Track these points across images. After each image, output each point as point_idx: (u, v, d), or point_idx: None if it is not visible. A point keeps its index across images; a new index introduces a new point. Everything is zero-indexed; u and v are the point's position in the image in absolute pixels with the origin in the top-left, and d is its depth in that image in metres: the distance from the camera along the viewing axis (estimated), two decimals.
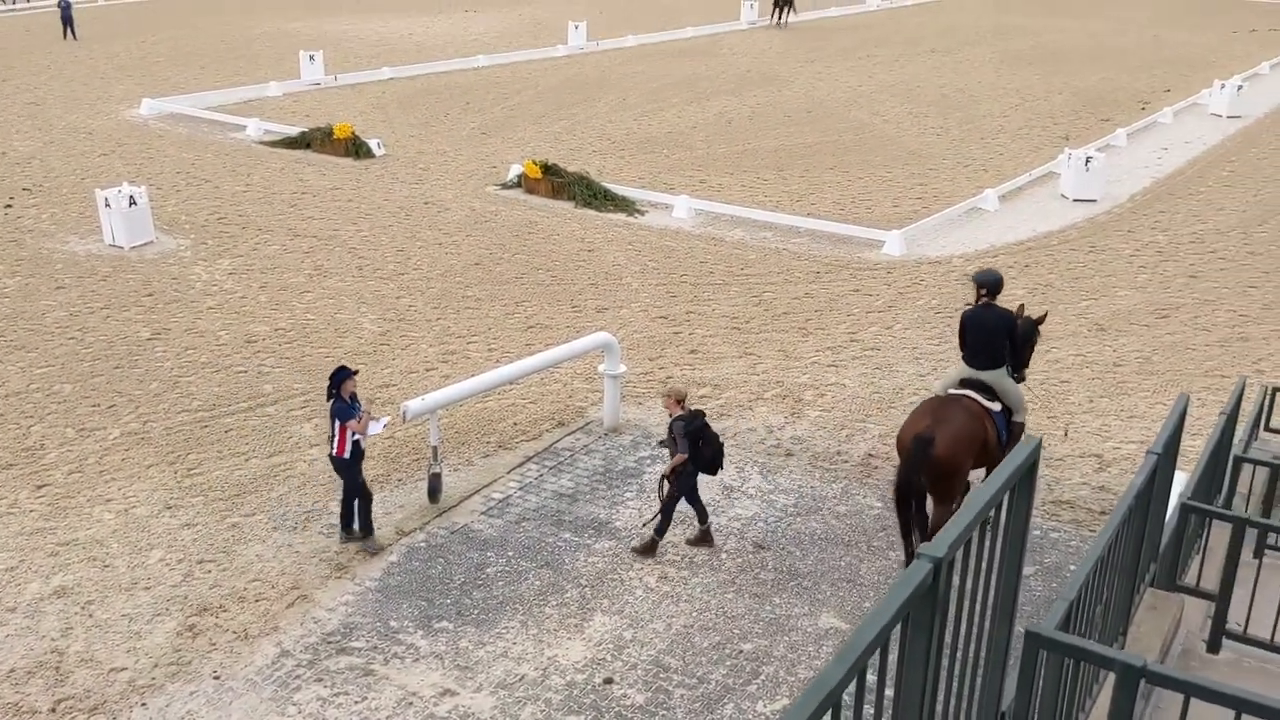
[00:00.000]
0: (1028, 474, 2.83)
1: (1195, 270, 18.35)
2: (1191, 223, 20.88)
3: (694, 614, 9.72)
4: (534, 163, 22.61)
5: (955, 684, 2.78)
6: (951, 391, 10.26)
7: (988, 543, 2.75)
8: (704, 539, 10.69)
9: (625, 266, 18.48)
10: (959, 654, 2.82)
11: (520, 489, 11.72)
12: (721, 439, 10.66)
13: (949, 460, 9.55)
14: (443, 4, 52.49)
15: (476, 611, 9.75)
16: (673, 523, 10.64)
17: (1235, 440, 8.90)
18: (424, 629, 9.51)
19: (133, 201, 18.85)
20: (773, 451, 12.58)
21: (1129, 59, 39.11)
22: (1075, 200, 21.97)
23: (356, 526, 10.76)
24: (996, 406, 10.12)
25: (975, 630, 2.85)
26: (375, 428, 10.82)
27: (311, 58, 33.27)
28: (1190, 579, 6.42)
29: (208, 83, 32.62)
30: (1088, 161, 22.19)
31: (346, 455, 10.52)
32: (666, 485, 10.45)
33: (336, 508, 11.39)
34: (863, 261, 18.72)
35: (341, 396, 10.52)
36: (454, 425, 12.80)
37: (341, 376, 10.59)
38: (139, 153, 25.23)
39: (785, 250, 19.26)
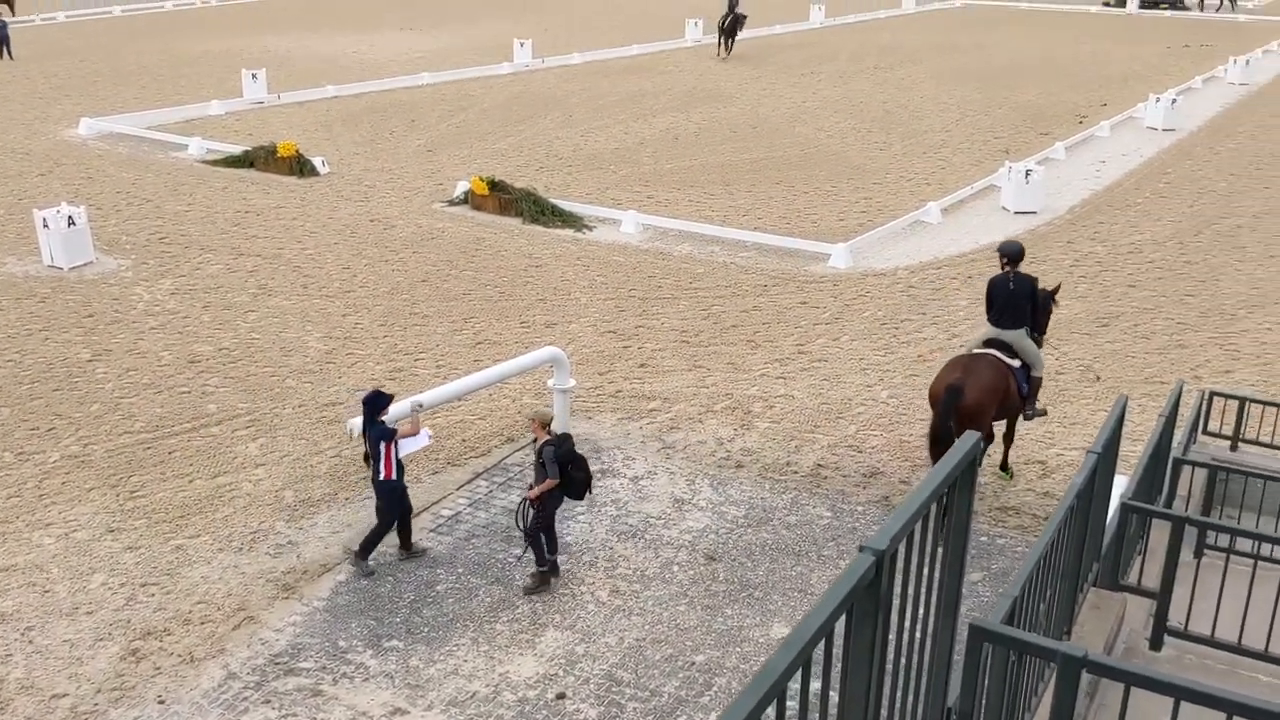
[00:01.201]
0: (968, 469, 2.87)
1: (1134, 280, 18.69)
2: (1129, 233, 21.27)
3: (646, 627, 9.71)
4: (481, 179, 22.56)
5: (901, 679, 2.80)
6: (976, 350, 11.55)
7: (930, 537, 2.78)
8: (541, 582, 10.12)
9: (573, 282, 18.48)
10: (904, 649, 2.84)
11: (470, 505, 11.65)
12: (590, 464, 10.45)
13: (975, 407, 10.89)
14: (387, 22, 52.31)
15: (427, 629, 9.67)
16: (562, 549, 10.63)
17: (1174, 443, 9.08)
18: (373, 648, 9.42)
19: (71, 222, 18.56)
20: (723, 463, 12.62)
21: (1067, 74, 39.82)
22: (1016, 212, 22.30)
23: (398, 545, 10.66)
24: (1017, 363, 11.45)
25: (920, 625, 2.87)
26: (420, 440, 10.73)
27: (254, 76, 32.98)
28: (1132, 578, 6.52)
29: (149, 102, 32.22)
30: (1027, 174, 22.55)
31: (394, 476, 10.40)
32: (531, 511, 10.22)
33: (283, 528, 11.28)
34: (809, 274, 18.87)
35: (379, 421, 10.41)
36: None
37: (382, 403, 10.46)
38: (78, 173, 24.85)
39: (733, 264, 19.37)
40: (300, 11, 56.58)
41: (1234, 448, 9.83)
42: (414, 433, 10.58)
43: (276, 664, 9.20)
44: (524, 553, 10.45)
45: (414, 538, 10.77)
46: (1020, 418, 12.04)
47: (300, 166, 24.88)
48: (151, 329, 16.23)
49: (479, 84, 36.69)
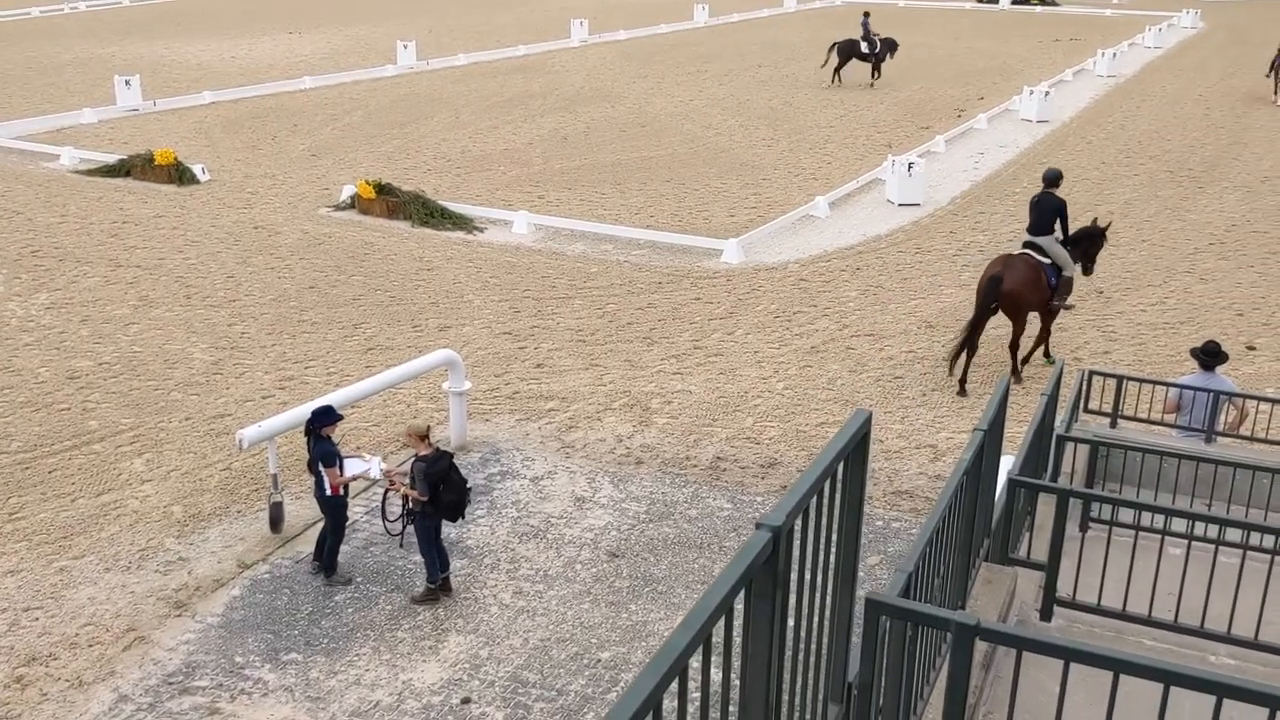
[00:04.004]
0: (860, 443, 2.91)
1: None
2: (1009, 222, 21.88)
3: (550, 626, 9.67)
4: (367, 183, 22.22)
5: (802, 655, 2.83)
6: (1013, 253, 14.77)
7: (826, 513, 2.81)
8: (429, 596, 9.94)
9: (466, 284, 18.32)
10: (804, 624, 2.87)
11: (366, 514, 11.45)
12: (469, 484, 10.22)
13: (1013, 291, 14.12)
14: (265, 26, 51.19)
15: (326, 640, 9.48)
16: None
17: (1058, 422, 9.37)
18: (271, 662, 9.20)
19: None
20: (623, 460, 12.63)
21: (945, 69, 40.83)
22: (900, 205, 22.79)
23: (323, 562, 10.35)
24: (1047, 261, 14.45)
25: (819, 600, 2.91)
26: (362, 467, 10.44)
27: (127, 83, 31.95)
28: (1022, 553, 6.71)
29: (15, 111, 31.00)
30: (910, 168, 23.06)
31: (341, 493, 10.15)
32: (395, 511, 10.17)
33: (173, 544, 10.97)
34: (703, 270, 19.01)
35: (323, 437, 10.13)
36: (294, 453, 12.39)
37: (325, 420, 10.18)
38: None
39: (627, 262, 19.41)
40: (173, 17, 55.08)
41: (1114, 424, 10.19)
42: (347, 481, 10.31)
43: (170, 684, 8.92)
44: (400, 541, 10.39)
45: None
46: (1051, 312, 14.84)
47: (179, 174, 24.20)
48: (26, 345, 15.62)
49: (363, 87, 36.14)
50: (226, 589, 10.21)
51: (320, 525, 10.55)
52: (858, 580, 3.21)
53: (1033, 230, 14.80)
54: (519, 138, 29.12)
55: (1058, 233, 14.74)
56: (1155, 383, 10.94)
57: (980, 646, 4.91)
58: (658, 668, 1.94)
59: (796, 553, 2.81)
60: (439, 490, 9.80)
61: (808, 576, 2.78)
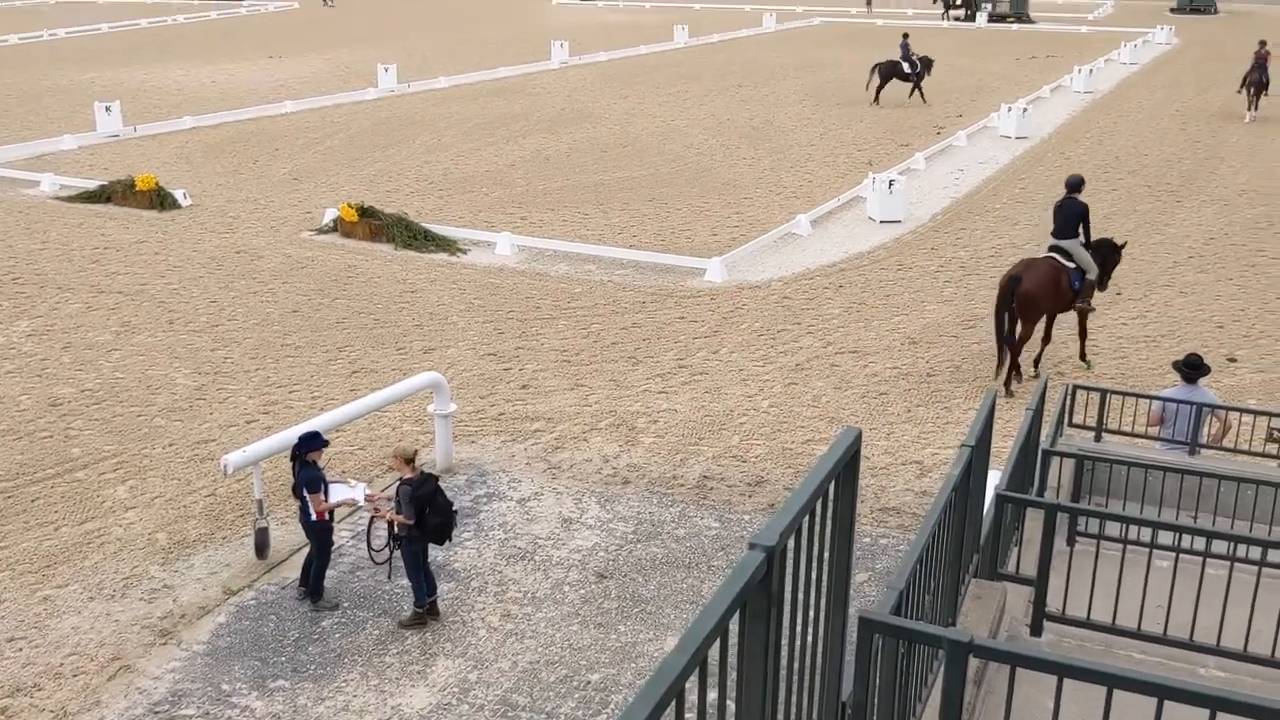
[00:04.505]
0: (850, 462, 2.92)
1: (996, 282, 19.29)
2: (990, 238, 22.02)
3: (539, 649, 9.63)
4: (350, 206, 22.21)
5: (796, 677, 2.83)
6: (1037, 256, 15.44)
7: (818, 530, 2.81)
8: (417, 621, 9.91)
9: (450, 306, 18.31)
10: (798, 645, 2.87)
11: (353, 538, 11.39)
12: (455, 507, 10.15)
13: (1028, 294, 14.62)
14: (245, 51, 51.21)
15: (314, 666, 9.42)
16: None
17: (1043, 436, 9.41)
18: (258, 689, 9.13)
19: None
20: (610, 480, 12.61)
21: (924, 87, 41.08)
22: (882, 222, 22.89)
23: (309, 587, 10.30)
24: (1071, 265, 15.01)
25: (812, 620, 2.91)
26: (347, 493, 10.41)
27: (108, 109, 31.90)
28: (1011, 568, 6.72)
29: None
30: (890, 185, 23.18)
31: (326, 518, 10.12)
32: (381, 538, 10.17)
33: (158, 572, 10.89)
34: (686, 289, 19.05)
35: (308, 462, 10.10)
36: (279, 478, 12.32)
37: (310, 446, 10.16)
38: None
39: (610, 282, 19.43)
40: (153, 44, 55.07)
41: (1098, 438, 10.23)
42: (331, 507, 10.27)
43: (156, 713, 8.84)
44: (388, 569, 10.32)
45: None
46: (1079, 313, 15.42)
47: (161, 200, 24.14)
48: (8, 373, 15.52)
49: (344, 110, 36.17)
50: (212, 616, 10.13)
51: (306, 551, 10.49)
52: (849, 598, 3.21)
53: (1057, 234, 15.35)
54: (501, 159, 29.16)
55: (1081, 236, 15.30)
56: (1138, 396, 11.00)
57: (972, 662, 4.92)
58: (653, 692, 1.93)
59: (789, 572, 2.81)
60: (425, 513, 9.76)
61: (800, 596, 2.78)
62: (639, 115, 35.55)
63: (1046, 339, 15.58)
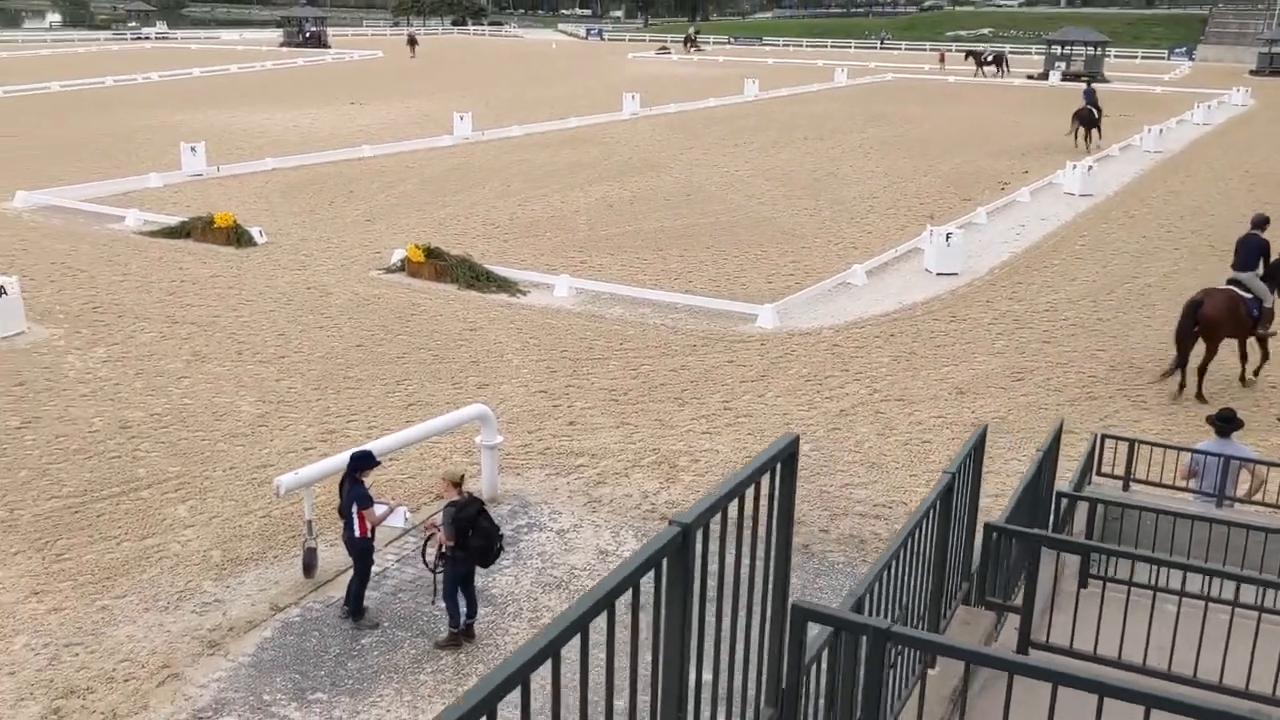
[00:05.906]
0: (787, 461, 3.21)
1: (1048, 336, 19.38)
2: (1046, 293, 22.05)
3: (570, 675, 9.88)
4: (417, 246, 22.92)
5: (729, 656, 3.10)
6: (1218, 286, 16.64)
7: (749, 521, 3.10)
8: (452, 642, 10.19)
9: (506, 344, 18.81)
10: (739, 627, 3.16)
11: (397, 561, 11.81)
12: (500, 530, 10.47)
13: (1210, 316, 15.98)
14: (328, 97, 52.90)
15: (351, 681, 9.79)
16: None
17: (1069, 483, 9.53)
18: (298, 701, 9.52)
19: (2, 292, 18.61)
20: (648, 515, 12.90)
21: (990, 144, 41.21)
22: (938, 274, 23.03)
23: (350, 606, 10.73)
24: (1248, 295, 16.27)
25: (754, 605, 3.19)
26: (391, 516, 10.86)
27: (193, 149, 33.24)
28: (1017, 602, 6.88)
29: (87, 175, 32.34)
30: (948, 238, 23.34)
31: (369, 535, 10.58)
32: (431, 556, 10.46)
33: (210, 587, 11.38)
34: (737, 334, 19.36)
35: (358, 480, 10.59)
36: (329, 500, 12.82)
37: (364, 464, 10.66)
38: (11, 244, 24.87)
39: (663, 325, 19.82)
40: (242, 89, 57.08)
41: (1126, 487, 10.30)
42: (379, 523, 10.72)
43: (199, 718, 9.27)
44: (434, 585, 10.60)
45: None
46: (1262, 339, 16.60)
47: (238, 236, 25.09)
48: (82, 396, 16.28)
49: (419, 156, 37.22)
50: (259, 630, 10.58)
51: (352, 572, 10.91)
52: (790, 590, 3.49)
53: (1237, 267, 16.66)
54: (566, 205, 29.82)
55: (1260, 269, 16.56)
56: (1167, 447, 11.04)
57: (949, 682, 5.14)
58: (559, 624, 2.24)
59: (730, 559, 3.11)
60: (468, 536, 10.16)
61: (737, 580, 3.07)
62: (704, 165, 36.10)
63: (1243, 357, 16.86)
